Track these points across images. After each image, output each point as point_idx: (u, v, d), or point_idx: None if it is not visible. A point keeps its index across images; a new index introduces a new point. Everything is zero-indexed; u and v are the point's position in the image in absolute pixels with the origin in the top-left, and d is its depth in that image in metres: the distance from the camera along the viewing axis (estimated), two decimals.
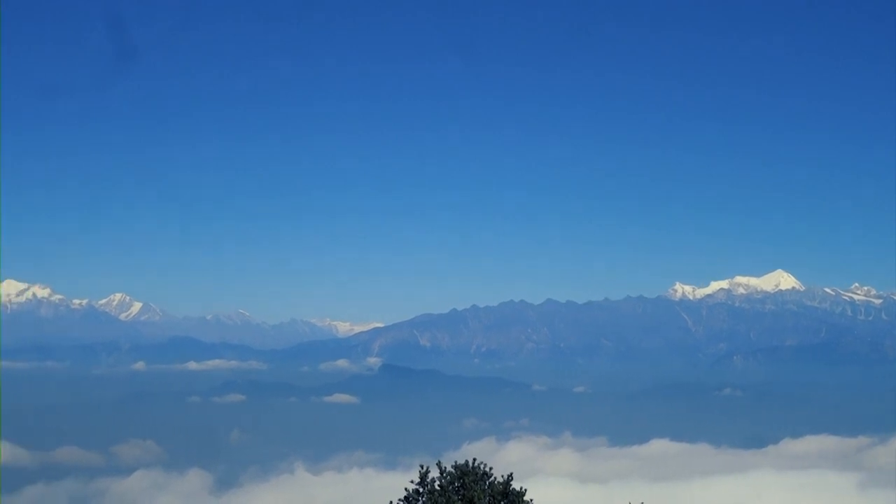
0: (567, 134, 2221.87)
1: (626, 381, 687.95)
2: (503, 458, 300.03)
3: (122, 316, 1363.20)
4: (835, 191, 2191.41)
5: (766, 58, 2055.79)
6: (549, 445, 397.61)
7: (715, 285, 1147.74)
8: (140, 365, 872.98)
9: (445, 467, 43.55)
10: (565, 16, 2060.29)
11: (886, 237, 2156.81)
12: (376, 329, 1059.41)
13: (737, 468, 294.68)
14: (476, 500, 42.46)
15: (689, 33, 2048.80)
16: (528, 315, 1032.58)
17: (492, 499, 43.16)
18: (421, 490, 43.45)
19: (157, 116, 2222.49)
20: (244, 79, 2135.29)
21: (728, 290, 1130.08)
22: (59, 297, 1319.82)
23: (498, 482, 43.65)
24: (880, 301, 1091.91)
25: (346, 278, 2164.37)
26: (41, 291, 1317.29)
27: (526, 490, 43.94)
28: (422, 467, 43.67)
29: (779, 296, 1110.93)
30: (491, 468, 44.08)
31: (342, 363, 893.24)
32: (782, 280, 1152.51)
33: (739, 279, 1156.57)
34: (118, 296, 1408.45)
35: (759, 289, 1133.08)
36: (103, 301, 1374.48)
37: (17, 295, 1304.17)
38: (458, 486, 43.12)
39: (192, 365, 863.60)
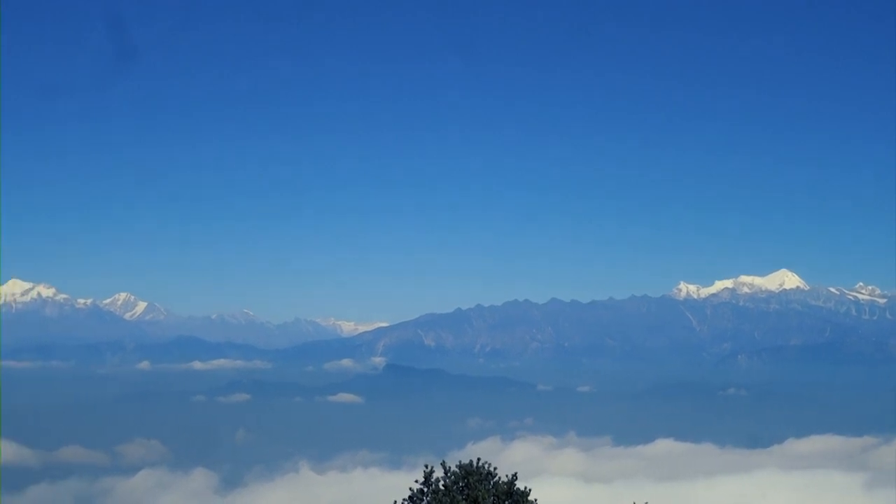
0: (567, 134, 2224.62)
1: (631, 381, 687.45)
2: (507, 458, 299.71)
3: (127, 315, 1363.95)
4: (839, 190, 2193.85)
5: (766, 58, 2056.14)
6: (554, 445, 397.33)
7: (719, 285, 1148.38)
8: (145, 364, 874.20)
9: (450, 467, 43.56)
10: (565, 16, 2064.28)
11: (891, 236, 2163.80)
12: (381, 329, 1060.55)
13: (741, 468, 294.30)
14: (480, 499, 42.47)
15: (689, 33, 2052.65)
16: (532, 314, 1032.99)
17: (496, 499, 43.15)
18: (425, 490, 43.44)
19: (157, 116, 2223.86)
20: (244, 79, 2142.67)
21: (732, 290, 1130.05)
22: (63, 296, 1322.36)
23: (502, 482, 43.65)
24: (885, 300, 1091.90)
25: (351, 278, 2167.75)
26: (46, 291, 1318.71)
27: (530, 490, 43.93)
28: (426, 467, 43.66)
29: (783, 295, 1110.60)
30: (495, 468, 44.08)
31: (346, 363, 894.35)
32: (787, 279, 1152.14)
33: (744, 278, 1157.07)
34: (123, 295, 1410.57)
35: (763, 288, 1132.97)
36: (108, 300, 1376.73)
37: (22, 294, 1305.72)
38: (462, 486, 43.11)
39: (197, 364, 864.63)
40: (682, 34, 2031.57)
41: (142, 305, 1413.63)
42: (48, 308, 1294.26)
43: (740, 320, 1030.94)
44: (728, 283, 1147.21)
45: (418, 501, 43.68)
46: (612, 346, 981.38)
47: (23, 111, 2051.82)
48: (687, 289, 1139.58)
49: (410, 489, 43.74)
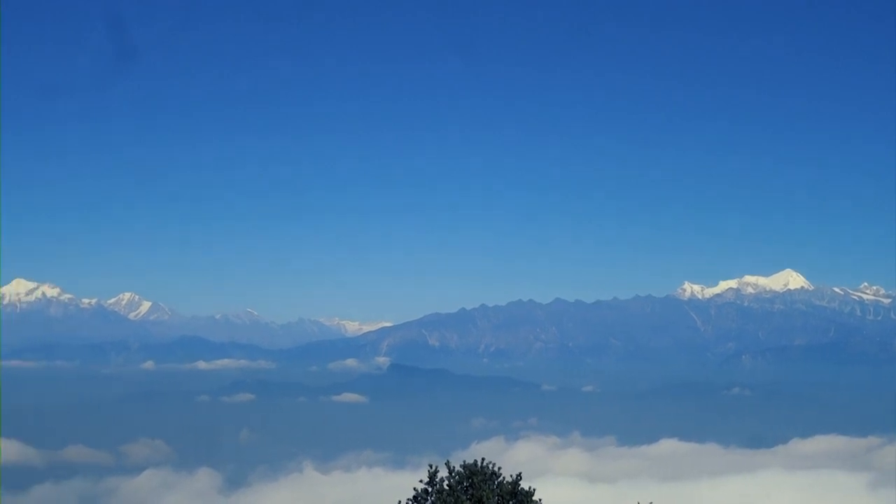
0: (568, 134, 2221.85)
1: (635, 381, 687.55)
2: (512, 458, 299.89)
3: (132, 315, 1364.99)
4: (843, 190, 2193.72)
5: (766, 58, 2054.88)
6: (558, 445, 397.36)
7: (724, 285, 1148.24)
8: (149, 364, 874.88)
9: (454, 467, 43.56)
10: (565, 16, 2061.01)
11: (895, 236, 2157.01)
12: (385, 328, 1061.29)
13: (746, 468, 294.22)
14: (485, 499, 42.47)
15: (689, 33, 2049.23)
16: (536, 314, 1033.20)
17: (500, 498, 43.15)
18: (430, 490, 43.45)
19: (157, 116, 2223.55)
20: (244, 79, 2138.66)
21: (737, 290, 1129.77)
22: (68, 296, 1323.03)
23: (507, 482, 43.64)
24: (889, 300, 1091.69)
25: (355, 278, 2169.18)
26: (50, 291, 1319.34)
27: (535, 490, 43.93)
28: (431, 467, 43.66)
29: (787, 295, 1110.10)
30: (500, 468, 44.07)
31: (351, 362, 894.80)
32: (791, 279, 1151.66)
33: (748, 279, 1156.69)
34: (127, 295, 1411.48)
35: (767, 288, 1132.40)
36: (112, 300, 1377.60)
37: (27, 294, 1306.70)
38: (466, 486, 43.12)
39: (201, 364, 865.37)
40: (682, 34, 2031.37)
41: (146, 305, 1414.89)
42: (52, 308, 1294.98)
43: (745, 320, 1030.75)
44: (732, 284, 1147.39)
45: (422, 501, 43.68)
46: (616, 346, 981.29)
47: (23, 111, 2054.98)
48: (691, 289, 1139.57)
49: (415, 489, 43.75)
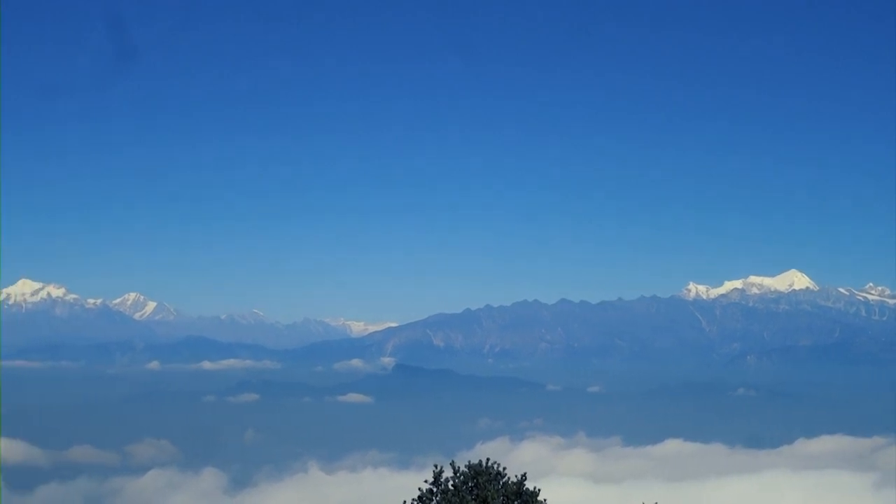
0: (568, 134, 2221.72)
1: (640, 381, 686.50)
2: (517, 458, 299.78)
3: (137, 315, 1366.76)
4: (848, 191, 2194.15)
5: (766, 58, 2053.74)
6: (563, 445, 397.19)
7: (729, 285, 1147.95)
8: (154, 364, 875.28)
9: (459, 467, 43.52)
10: (565, 16, 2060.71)
11: None
12: (390, 329, 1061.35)
13: (751, 468, 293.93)
14: (490, 499, 42.44)
15: (689, 33, 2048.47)
16: (541, 315, 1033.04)
17: (505, 499, 43.12)
18: (435, 490, 43.41)
19: (158, 116, 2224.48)
20: (244, 79, 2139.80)
21: (742, 290, 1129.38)
22: (73, 296, 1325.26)
23: (512, 482, 43.60)
24: (894, 301, 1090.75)
25: (360, 278, 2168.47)
26: (56, 291, 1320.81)
27: (540, 490, 43.88)
28: (436, 467, 43.61)
29: (793, 296, 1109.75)
30: (505, 468, 44.02)
31: (356, 363, 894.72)
32: (796, 280, 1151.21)
33: (753, 279, 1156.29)
34: (132, 295, 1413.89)
35: (772, 289, 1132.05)
36: (118, 300, 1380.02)
37: (32, 294, 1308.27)
38: (471, 486, 43.09)
39: (207, 364, 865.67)
40: (682, 34, 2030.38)
41: (151, 305, 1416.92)
42: (58, 308, 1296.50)
43: (750, 321, 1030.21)
44: (737, 284, 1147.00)
45: (427, 501, 43.64)
46: (621, 346, 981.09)
47: (23, 111, 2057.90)
48: (696, 289, 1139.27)
49: (420, 489, 43.71)
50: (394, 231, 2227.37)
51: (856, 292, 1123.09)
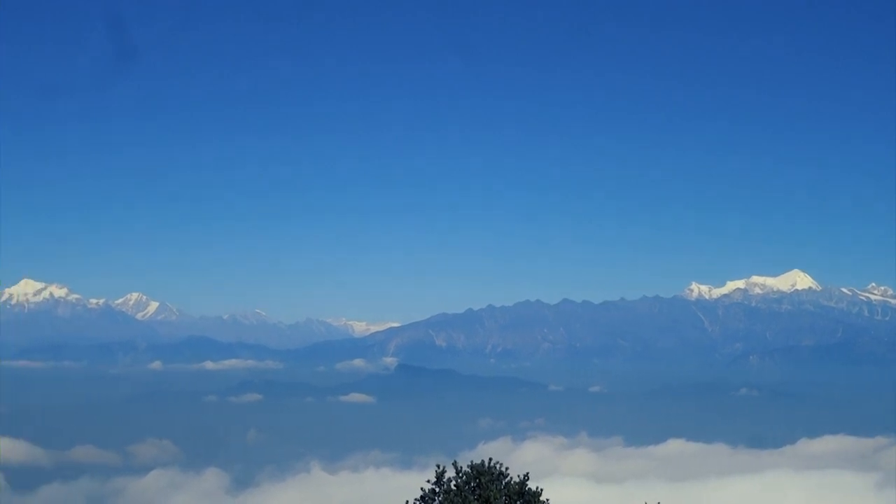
0: (568, 134, 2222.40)
1: (643, 381, 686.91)
2: (519, 458, 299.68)
3: (139, 315, 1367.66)
4: (851, 190, 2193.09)
5: (766, 58, 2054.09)
6: (565, 445, 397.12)
7: (731, 285, 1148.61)
8: (157, 364, 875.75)
9: (461, 467, 43.47)
10: (565, 16, 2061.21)
11: None
12: (392, 329, 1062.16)
13: (753, 468, 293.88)
14: (492, 499, 42.40)
15: (689, 33, 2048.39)
16: (544, 315, 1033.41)
17: (508, 499, 43.08)
18: (437, 490, 43.36)
19: (158, 116, 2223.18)
20: (244, 79, 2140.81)
21: (744, 290, 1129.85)
22: (76, 296, 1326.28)
23: (514, 482, 43.55)
24: None
25: (362, 278, 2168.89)
26: (58, 291, 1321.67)
27: (542, 490, 43.82)
28: (438, 467, 43.56)
29: (795, 296, 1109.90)
30: (507, 468, 43.97)
31: (358, 363, 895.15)
32: (799, 280, 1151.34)
33: (756, 279, 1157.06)
34: (135, 295, 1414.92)
35: (775, 289, 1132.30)
36: (120, 300, 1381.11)
37: (35, 294, 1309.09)
38: (474, 486, 43.03)
39: (209, 364, 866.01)
40: (682, 34, 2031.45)
41: (154, 305, 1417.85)
42: (60, 308, 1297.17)
43: (752, 321, 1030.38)
44: (740, 284, 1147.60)
45: (430, 501, 43.60)
46: (623, 346, 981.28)
47: (23, 111, 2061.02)
48: (699, 289, 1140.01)
49: (422, 489, 43.66)
50: (396, 231, 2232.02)
51: (858, 292, 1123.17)
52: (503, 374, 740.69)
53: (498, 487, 42.98)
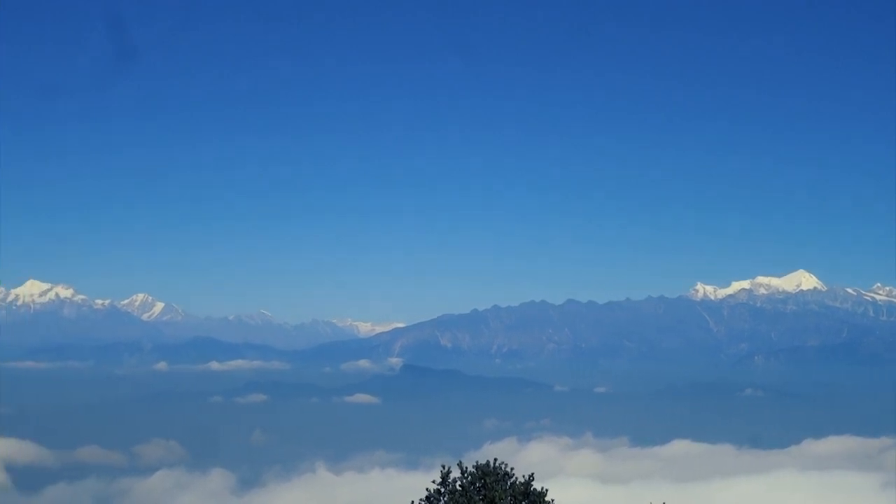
0: (568, 134, 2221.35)
1: (648, 382, 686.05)
2: (524, 459, 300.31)
3: (145, 316, 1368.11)
4: (856, 191, 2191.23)
5: (767, 58, 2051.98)
6: (571, 446, 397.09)
7: (736, 285, 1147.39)
8: (162, 365, 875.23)
9: (467, 467, 43.70)
10: (565, 16, 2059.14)
11: None
12: (397, 329, 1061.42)
13: (758, 469, 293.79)
14: (497, 500, 42.64)
15: (689, 33, 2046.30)
16: (549, 315, 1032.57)
17: (513, 499, 43.32)
18: (442, 490, 43.59)
19: (159, 116, 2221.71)
20: (244, 79, 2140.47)
21: (749, 291, 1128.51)
22: (81, 297, 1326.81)
23: (519, 482, 43.79)
24: None
25: (368, 279, 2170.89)
26: (64, 292, 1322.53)
27: (547, 490, 44.06)
28: (443, 467, 43.78)
29: (800, 296, 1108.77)
30: (512, 468, 44.19)
31: (363, 363, 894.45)
32: (804, 280, 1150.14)
33: (761, 279, 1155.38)
34: (140, 296, 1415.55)
35: (780, 289, 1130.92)
36: (126, 301, 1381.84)
37: (41, 295, 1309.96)
38: (479, 487, 43.28)
39: (214, 365, 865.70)
40: (682, 34, 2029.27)
41: (159, 306, 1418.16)
42: (66, 309, 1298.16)
43: (757, 321, 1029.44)
44: (745, 284, 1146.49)
45: (435, 502, 43.84)
46: (628, 346, 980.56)
47: (23, 111, 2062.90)
48: (704, 290, 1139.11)
49: (427, 489, 43.91)
50: (402, 232, 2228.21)
51: (863, 292, 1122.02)
52: (508, 374, 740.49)
53: (503, 488, 43.25)
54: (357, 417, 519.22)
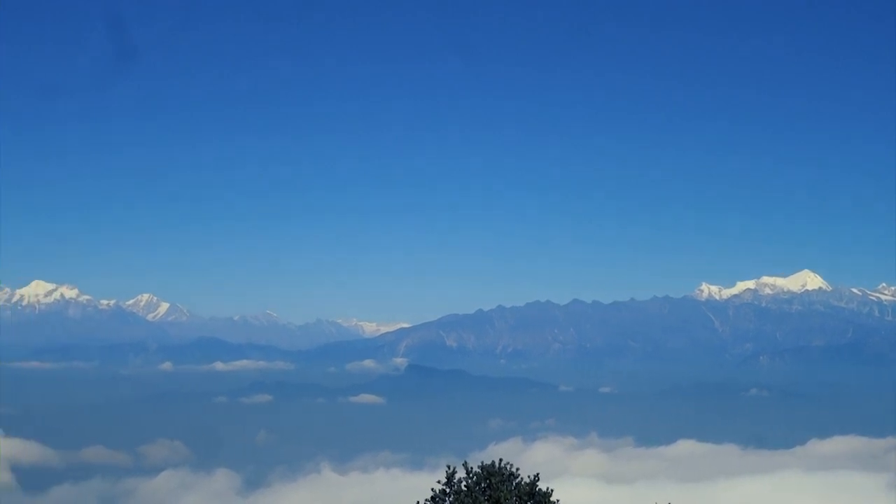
0: (568, 134, 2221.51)
1: (653, 382, 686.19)
2: (529, 459, 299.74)
3: (150, 316, 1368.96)
4: (862, 191, 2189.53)
5: (767, 58, 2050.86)
6: (576, 446, 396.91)
7: (741, 285, 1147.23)
8: (167, 365, 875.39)
9: (472, 468, 43.62)
10: (565, 16, 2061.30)
11: None
12: (402, 329, 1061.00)
13: (763, 469, 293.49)
14: (503, 500, 42.55)
15: (689, 33, 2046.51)
16: (554, 315, 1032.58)
17: (518, 499, 43.24)
18: (447, 490, 43.51)
19: (159, 116, 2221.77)
20: (244, 79, 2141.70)
21: (754, 291, 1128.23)
22: (86, 297, 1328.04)
23: (524, 483, 43.70)
24: None
25: (373, 279, 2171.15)
26: (69, 292, 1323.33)
27: (552, 490, 43.97)
28: (448, 468, 43.71)
29: (805, 296, 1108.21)
30: (517, 468, 44.11)
31: (368, 363, 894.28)
32: (809, 280, 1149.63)
33: (766, 279, 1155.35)
34: (145, 296, 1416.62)
35: (785, 289, 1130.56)
36: (131, 301, 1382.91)
37: (46, 296, 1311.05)
38: (484, 487, 43.20)
39: (219, 365, 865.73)
40: (682, 34, 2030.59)
41: (164, 306, 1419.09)
42: (71, 309, 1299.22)
43: (762, 321, 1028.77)
44: (750, 284, 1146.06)
45: (440, 502, 43.76)
46: (633, 346, 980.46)
47: (23, 111, 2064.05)
48: (709, 289, 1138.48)
49: (432, 490, 43.82)
50: (407, 232, 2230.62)
51: (869, 292, 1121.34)
52: (513, 374, 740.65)
53: (508, 488, 43.17)
54: (362, 418, 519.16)
